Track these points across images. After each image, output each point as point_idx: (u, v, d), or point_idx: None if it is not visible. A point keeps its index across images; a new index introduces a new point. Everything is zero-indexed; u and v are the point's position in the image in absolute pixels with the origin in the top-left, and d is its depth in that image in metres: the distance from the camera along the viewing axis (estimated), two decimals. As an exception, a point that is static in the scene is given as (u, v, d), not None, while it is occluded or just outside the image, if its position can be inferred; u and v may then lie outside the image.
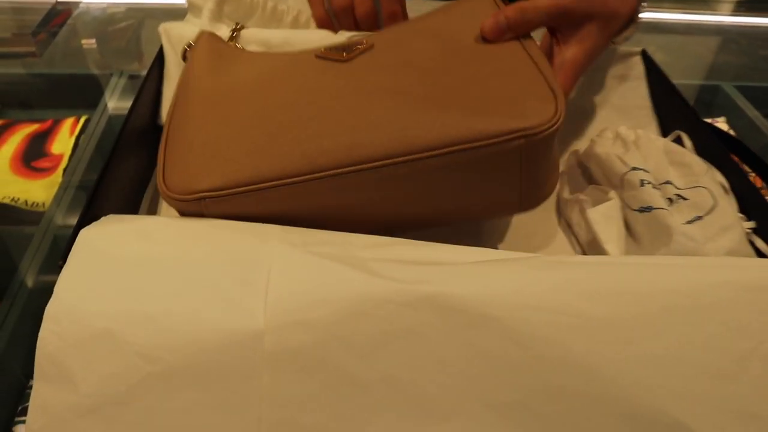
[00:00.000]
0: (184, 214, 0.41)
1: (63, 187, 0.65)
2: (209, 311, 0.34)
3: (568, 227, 0.54)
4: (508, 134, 0.38)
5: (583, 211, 0.52)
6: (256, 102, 0.44)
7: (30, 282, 0.54)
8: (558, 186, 0.56)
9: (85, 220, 0.40)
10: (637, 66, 0.64)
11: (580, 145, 0.60)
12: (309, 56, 0.48)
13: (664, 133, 0.62)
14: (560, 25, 0.50)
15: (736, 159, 0.52)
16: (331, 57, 0.47)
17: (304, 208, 0.40)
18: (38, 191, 0.65)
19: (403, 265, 0.36)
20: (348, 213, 0.42)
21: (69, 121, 0.74)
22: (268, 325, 0.33)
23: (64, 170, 0.67)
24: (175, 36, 0.59)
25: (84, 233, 0.38)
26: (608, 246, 0.48)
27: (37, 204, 0.64)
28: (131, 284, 0.35)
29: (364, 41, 0.48)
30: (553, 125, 0.38)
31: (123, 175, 0.50)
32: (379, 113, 0.40)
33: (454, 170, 0.39)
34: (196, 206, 0.40)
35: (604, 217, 0.50)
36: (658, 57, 0.66)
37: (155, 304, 0.34)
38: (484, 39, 0.46)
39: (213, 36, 0.54)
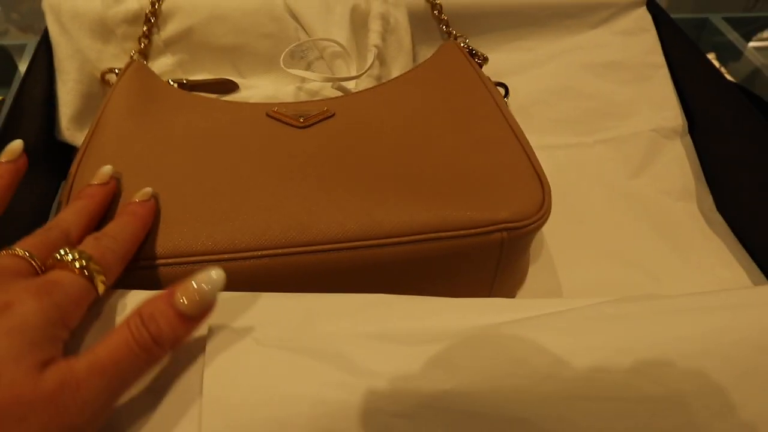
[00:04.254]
0: None
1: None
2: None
3: None
4: (488, 225, 0.33)
5: None
6: (190, 157, 0.37)
7: None
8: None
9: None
10: (644, 17, 0.55)
11: (586, 119, 0.52)
12: (258, 113, 0.42)
13: (680, 95, 0.53)
14: None
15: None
16: (284, 120, 0.41)
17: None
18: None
19: (391, 346, 0.27)
20: None
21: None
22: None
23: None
24: (68, 12, 0.47)
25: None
26: None
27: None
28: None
29: (325, 108, 0.42)
30: (540, 217, 0.34)
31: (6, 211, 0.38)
32: (339, 191, 0.35)
33: (420, 261, 0.34)
34: None
35: None
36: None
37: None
38: (460, 102, 0.42)
39: (143, 66, 0.46)
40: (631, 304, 0.29)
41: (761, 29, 0.82)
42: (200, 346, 0.26)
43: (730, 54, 0.74)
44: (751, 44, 0.78)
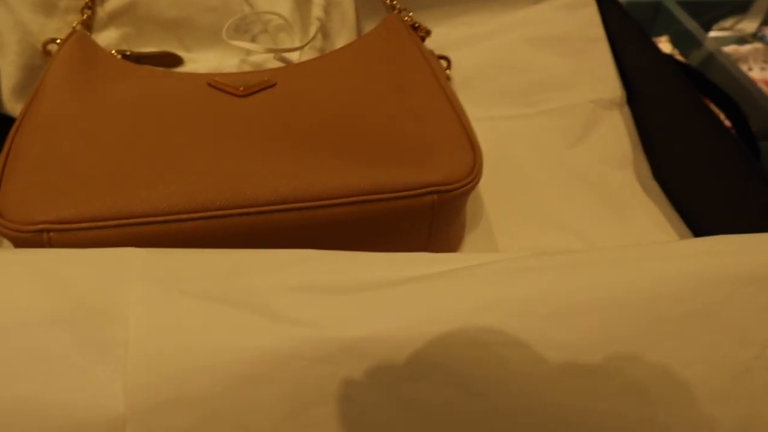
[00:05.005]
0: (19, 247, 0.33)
1: None
2: (50, 394, 0.25)
3: None
4: (419, 188, 0.34)
5: None
6: (127, 123, 0.38)
7: None
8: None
9: None
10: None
11: (528, 91, 0.53)
12: (199, 81, 0.42)
13: (619, 67, 0.54)
14: None
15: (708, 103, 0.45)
16: (225, 89, 0.41)
17: None
18: None
19: (315, 296, 0.27)
20: None
21: None
22: (129, 409, 0.24)
23: None
24: None
25: None
26: None
27: None
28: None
29: (266, 78, 0.43)
30: (470, 181, 0.35)
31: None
32: (274, 156, 0.36)
33: (354, 224, 0.35)
34: (36, 241, 0.32)
35: None
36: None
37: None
38: (398, 73, 0.43)
39: (85, 36, 0.46)
40: (551, 257, 0.30)
41: (721, 17, 0.84)
42: (126, 296, 0.27)
43: (685, 37, 0.76)
44: (712, 33, 0.81)
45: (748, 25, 0.84)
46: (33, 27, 0.47)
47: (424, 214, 0.35)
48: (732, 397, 0.26)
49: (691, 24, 0.76)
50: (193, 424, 0.24)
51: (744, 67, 0.72)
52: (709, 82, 0.48)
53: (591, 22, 0.55)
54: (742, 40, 0.81)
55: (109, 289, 0.27)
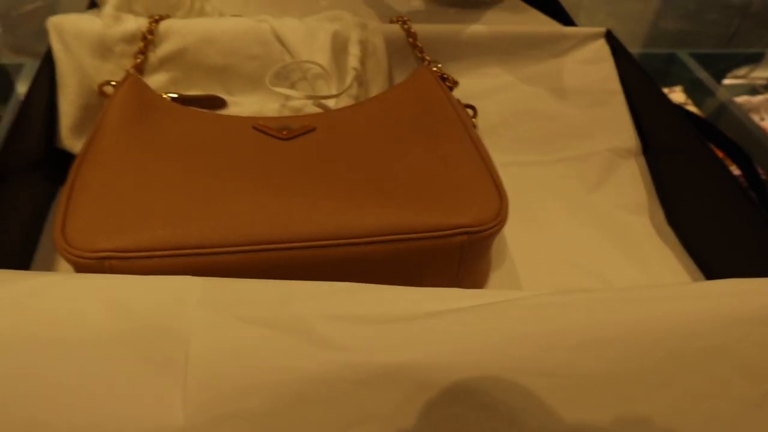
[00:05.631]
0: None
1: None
2: (115, 407, 0.27)
3: None
4: (450, 229, 0.37)
5: None
6: (180, 160, 0.41)
7: None
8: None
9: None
10: (603, 48, 0.59)
11: (548, 139, 0.56)
12: (244, 124, 0.45)
13: (635, 119, 0.57)
14: None
15: (715, 150, 0.47)
16: (269, 132, 0.45)
17: None
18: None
19: (355, 325, 0.29)
20: None
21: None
22: (189, 422, 0.26)
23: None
24: (70, 32, 0.51)
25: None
26: None
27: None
28: (16, 380, 0.27)
29: (306, 123, 0.46)
30: (497, 224, 0.38)
31: (7, 212, 0.41)
32: (316, 196, 0.38)
33: (389, 260, 0.37)
34: (98, 267, 0.34)
35: None
36: (609, 25, 0.62)
37: (49, 405, 0.27)
38: (429, 121, 0.45)
39: (139, 80, 0.49)
40: (574, 294, 0.32)
41: (734, 66, 0.87)
42: (186, 319, 0.29)
43: (698, 87, 0.79)
44: (726, 81, 0.83)
45: (762, 74, 0.87)
46: (90, 70, 0.51)
47: (454, 254, 0.38)
48: (743, 431, 0.28)
49: (703, 74, 0.79)
50: (247, 438, 0.27)
51: (756, 117, 0.74)
52: (718, 133, 0.51)
53: (608, 76, 0.58)
54: (754, 90, 0.84)
55: (170, 312, 0.30)
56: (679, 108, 0.54)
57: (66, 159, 0.50)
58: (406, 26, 0.57)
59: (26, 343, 0.28)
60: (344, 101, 0.52)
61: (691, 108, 0.73)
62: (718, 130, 0.53)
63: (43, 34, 0.52)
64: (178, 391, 0.27)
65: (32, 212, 0.46)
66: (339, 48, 0.55)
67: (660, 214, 0.53)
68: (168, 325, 0.29)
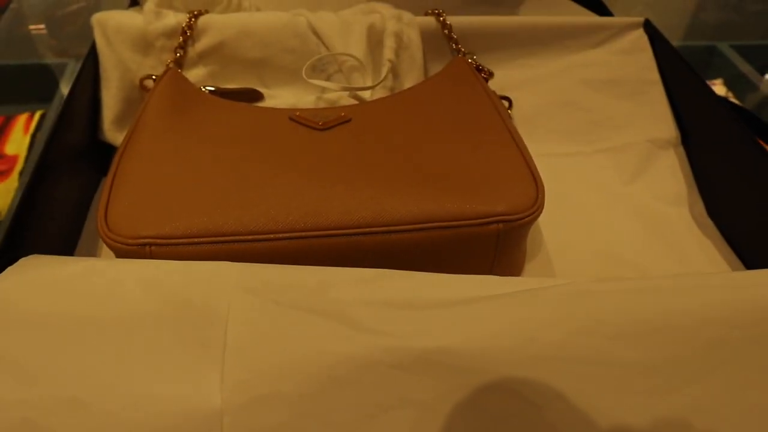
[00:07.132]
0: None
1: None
2: (152, 388, 0.27)
3: None
4: (487, 217, 0.37)
5: None
6: (220, 151, 0.42)
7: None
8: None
9: (1, 263, 0.33)
10: (641, 38, 0.58)
11: (585, 130, 0.55)
12: (281, 115, 0.46)
13: (674, 109, 0.56)
14: None
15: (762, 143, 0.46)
16: (306, 123, 0.45)
17: None
18: (-8, 198, 0.57)
19: (392, 310, 0.30)
20: None
21: (23, 118, 0.66)
22: (226, 403, 0.27)
23: (20, 173, 0.59)
24: (113, 28, 0.52)
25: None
26: None
27: (-6, 212, 0.57)
28: (58, 358, 0.28)
29: (342, 113, 0.46)
30: (533, 212, 0.38)
31: (53, 202, 0.42)
32: (353, 184, 0.38)
33: (425, 247, 0.37)
34: (139, 253, 0.35)
35: None
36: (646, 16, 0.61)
37: (88, 383, 0.27)
38: (464, 111, 0.46)
39: (178, 74, 0.50)
40: (612, 282, 0.31)
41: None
42: (224, 303, 0.30)
43: (740, 80, 0.77)
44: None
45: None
46: (132, 65, 0.52)
47: (490, 241, 0.38)
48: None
49: (746, 67, 0.78)
50: (285, 419, 0.27)
51: (800, 110, 0.72)
52: (762, 124, 0.50)
53: (647, 66, 0.58)
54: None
55: (208, 295, 0.31)
56: (720, 97, 0.53)
57: (109, 151, 0.51)
58: (441, 18, 0.57)
59: (67, 323, 0.29)
60: (379, 93, 0.52)
61: (733, 101, 0.71)
62: (762, 120, 0.52)
63: (85, 35, 0.53)
64: (216, 373, 0.27)
65: (76, 201, 0.47)
66: (374, 40, 0.55)
67: (700, 206, 0.52)
68: (206, 308, 0.30)
